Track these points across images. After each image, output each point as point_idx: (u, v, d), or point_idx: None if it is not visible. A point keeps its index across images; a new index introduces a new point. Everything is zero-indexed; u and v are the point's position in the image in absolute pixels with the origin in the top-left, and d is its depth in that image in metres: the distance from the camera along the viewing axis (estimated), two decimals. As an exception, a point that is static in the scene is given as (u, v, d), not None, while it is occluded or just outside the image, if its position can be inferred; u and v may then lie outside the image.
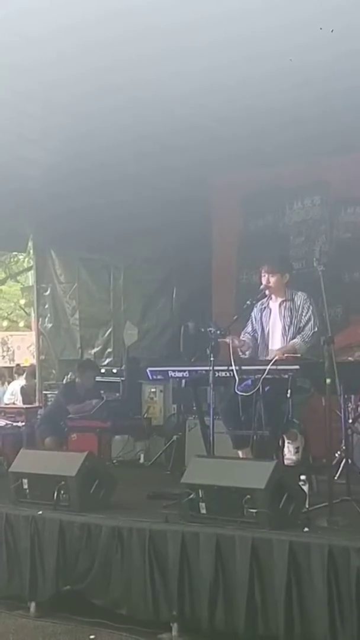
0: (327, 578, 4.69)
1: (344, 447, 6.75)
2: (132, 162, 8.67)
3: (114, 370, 10.73)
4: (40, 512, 5.92)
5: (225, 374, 6.28)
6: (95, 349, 11.62)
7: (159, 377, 7.15)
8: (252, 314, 6.89)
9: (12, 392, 12.45)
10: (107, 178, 9.17)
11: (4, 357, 21.31)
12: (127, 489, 6.53)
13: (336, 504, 5.54)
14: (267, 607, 4.89)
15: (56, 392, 10.25)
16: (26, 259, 19.17)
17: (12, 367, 15.45)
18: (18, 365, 15.63)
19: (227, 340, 6.40)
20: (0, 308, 23.62)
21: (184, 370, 6.81)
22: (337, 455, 6.86)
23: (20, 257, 19.78)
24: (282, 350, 6.48)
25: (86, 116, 7.37)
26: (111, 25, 5.69)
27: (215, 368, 6.23)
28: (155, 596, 5.29)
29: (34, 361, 13.26)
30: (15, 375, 13.79)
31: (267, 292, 6.82)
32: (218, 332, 6.37)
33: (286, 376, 6.05)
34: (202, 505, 5.38)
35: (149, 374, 7.04)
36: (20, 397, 12.01)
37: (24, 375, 12.91)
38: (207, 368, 6.27)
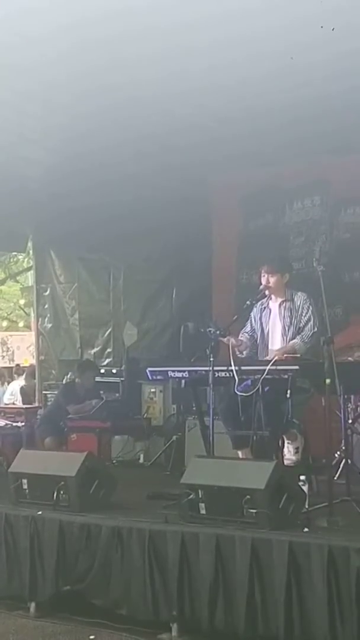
0: (327, 578, 4.69)
1: (343, 448, 6.75)
2: (132, 161, 8.66)
3: (114, 371, 10.72)
4: (40, 512, 5.92)
5: (225, 374, 6.28)
6: (95, 349, 11.61)
7: (158, 377, 7.15)
8: (252, 314, 6.89)
9: (12, 392, 12.45)
10: (107, 178, 9.17)
11: (3, 357, 21.34)
12: (126, 489, 6.53)
13: (336, 504, 5.54)
14: (267, 608, 4.89)
15: (56, 393, 10.24)
16: (26, 259, 19.17)
17: (11, 368, 15.46)
18: (18, 365, 15.65)
19: (224, 339, 6.40)
20: (0, 308, 23.62)
21: (184, 371, 6.81)
22: (336, 455, 6.86)
23: (20, 257, 19.77)
24: (281, 351, 6.48)
25: (86, 116, 7.37)
26: (111, 25, 5.68)
27: (215, 368, 6.23)
28: (155, 596, 5.29)
29: (33, 361, 13.26)
30: (15, 376, 13.80)
31: (266, 292, 6.82)
32: (218, 332, 6.37)
33: (286, 376, 6.05)
34: (202, 505, 5.38)
35: (148, 374, 7.03)
36: (20, 397, 12.01)
37: (24, 376, 12.92)
38: (207, 368, 6.28)
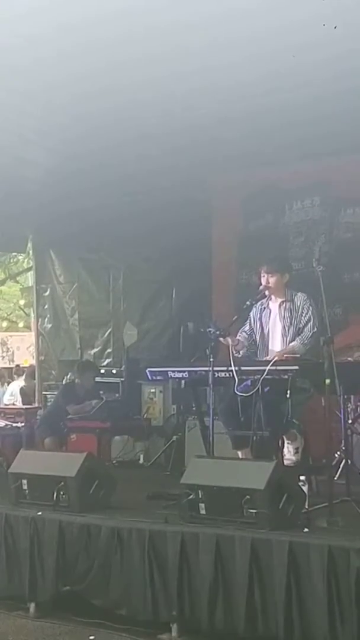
0: (327, 578, 4.69)
1: (343, 448, 6.76)
2: (132, 162, 8.66)
3: (114, 371, 10.73)
4: (40, 513, 5.91)
5: (225, 374, 6.28)
6: (95, 350, 11.62)
7: (158, 377, 7.15)
8: (251, 314, 6.89)
9: (12, 393, 12.44)
10: (107, 178, 9.17)
11: (3, 357, 21.34)
12: (126, 490, 6.53)
13: (336, 505, 5.54)
14: (267, 608, 4.89)
15: (56, 393, 10.24)
16: (26, 260, 19.15)
17: (11, 368, 15.45)
18: (17, 365, 15.64)
19: (222, 339, 6.40)
20: (0, 308, 23.62)
21: (184, 371, 6.81)
22: (336, 455, 6.86)
23: (20, 257, 19.77)
24: (281, 353, 6.47)
25: (86, 117, 7.37)
26: (111, 26, 5.68)
27: (215, 368, 6.24)
28: (155, 597, 5.29)
29: (33, 362, 13.26)
30: (15, 376, 13.78)
31: (266, 292, 6.81)
32: (217, 332, 6.37)
33: (286, 377, 6.05)
34: (202, 505, 5.38)
35: (148, 374, 7.03)
36: (19, 398, 12.00)
37: (24, 376, 12.90)
38: (207, 368, 6.28)
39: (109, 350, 11.50)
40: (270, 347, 6.74)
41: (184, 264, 10.69)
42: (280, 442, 6.51)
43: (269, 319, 6.81)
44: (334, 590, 4.67)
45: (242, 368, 6.27)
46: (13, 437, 8.96)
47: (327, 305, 6.23)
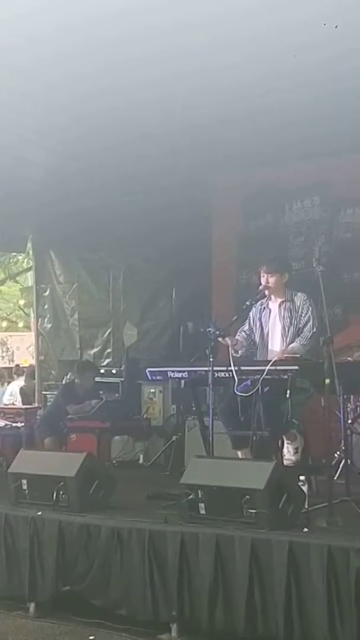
0: (327, 578, 4.69)
1: (343, 448, 6.76)
2: (132, 162, 8.66)
3: (114, 371, 10.73)
4: (40, 513, 5.91)
5: (225, 374, 6.28)
6: (95, 350, 11.62)
7: (158, 377, 7.15)
8: (250, 314, 6.88)
9: (12, 393, 12.43)
10: (107, 179, 9.17)
11: (3, 357, 21.33)
12: (126, 490, 6.53)
13: (335, 505, 5.54)
14: (267, 608, 4.89)
15: (55, 393, 10.24)
16: (25, 260, 19.16)
17: (11, 368, 15.43)
18: (17, 365, 15.62)
19: (221, 339, 6.40)
20: (0, 308, 23.62)
21: (183, 371, 6.81)
22: (336, 455, 6.86)
23: (20, 257, 19.77)
24: (280, 355, 6.46)
25: (86, 117, 7.37)
26: (111, 26, 5.68)
27: (215, 368, 6.24)
28: (155, 597, 5.29)
29: (33, 362, 13.25)
30: (15, 376, 13.77)
31: (266, 292, 6.81)
32: (217, 332, 6.37)
33: (285, 377, 6.05)
34: (202, 505, 5.38)
35: (148, 374, 7.03)
36: (19, 398, 11.99)
37: (24, 376, 12.90)
38: (207, 368, 6.28)
39: (109, 350, 11.50)
40: (269, 347, 6.74)
41: (184, 264, 10.69)
42: (280, 442, 6.51)
43: (269, 319, 6.81)
44: (333, 590, 4.67)
45: (242, 368, 6.27)
46: (13, 437, 8.95)
47: (327, 305, 6.22)
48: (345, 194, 8.96)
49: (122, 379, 10.45)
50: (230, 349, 6.44)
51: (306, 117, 7.39)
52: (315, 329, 6.56)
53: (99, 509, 5.89)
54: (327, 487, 5.62)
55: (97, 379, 9.81)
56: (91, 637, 5.31)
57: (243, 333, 6.85)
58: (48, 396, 10.96)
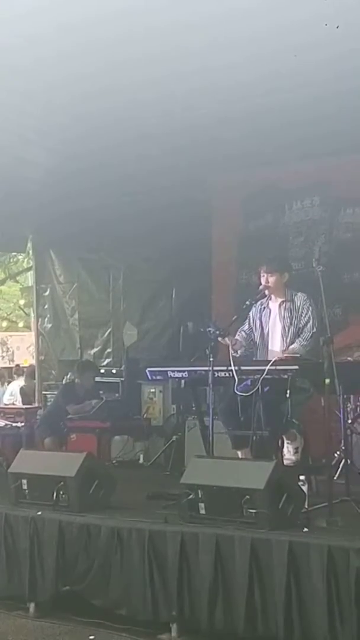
0: (327, 578, 4.69)
1: (343, 447, 6.76)
2: (132, 162, 8.66)
3: (114, 371, 10.74)
4: (40, 513, 5.92)
5: (225, 374, 6.28)
6: (95, 350, 11.62)
7: (158, 377, 7.15)
8: (250, 314, 6.88)
9: (12, 393, 12.43)
10: (107, 179, 9.17)
11: (3, 357, 21.33)
12: (126, 490, 6.53)
13: (335, 504, 5.54)
14: (267, 608, 4.89)
15: (55, 393, 10.24)
16: (25, 260, 19.16)
17: (11, 368, 15.43)
18: (17, 365, 15.62)
19: (220, 339, 6.40)
20: (0, 308, 23.62)
21: (184, 371, 6.81)
22: (336, 455, 6.86)
23: (20, 257, 19.78)
24: (281, 355, 6.46)
25: (86, 117, 7.37)
26: (111, 26, 5.68)
27: (215, 368, 6.24)
28: (155, 597, 5.29)
29: (33, 362, 13.25)
30: (15, 376, 13.77)
31: (266, 292, 6.81)
32: (217, 332, 6.37)
33: (285, 376, 6.05)
34: (202, 505, 5.38)
35: (148, 374, 7.04)
36: (19, 398, 11.99)
37: (24, 376, 12.90)
38: (207, 368, 6.28)
39: (109, 350, 11.51)
40: (270, 348, 6.74)
41: (184, 264, 10.69)
42: (280, 442, 6.51)
43: (269, 318, 6.81)
44: (333, 590, 4.67)
45: (242, 368, 6.27)
46: (13, 437, 8.95)
47: (327, 305, 6.22)
48: (345, 194, 8.96)
49: (122, 379, 10.45)
50: (230, 348, 6.44)
51: (306, 117, 7.39)
52: (315, 329, 6.56)
53: (99, 509, 5.89)
54: (327, 487, 5.62)
55: (97, 378, 9.81)
56: (91, 637, 5.32)
57: (243, 333, 6.85)
58: (48, 396, 10.96)
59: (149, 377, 7.07)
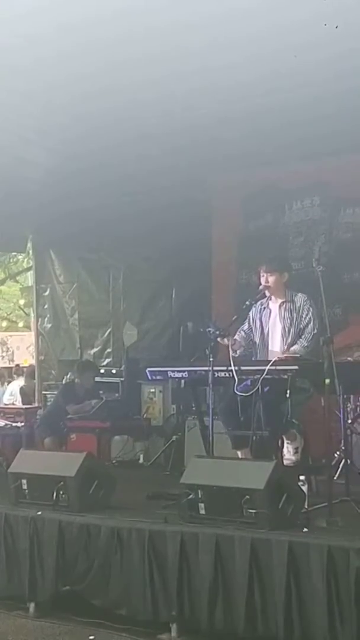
0: (327, 578, 4.69)
1: (343, 448, 6.76)
2: (132, 162, 8.66)
3: (114, 371, 10.74)
4: (40, 513, 5.92)
5: (225, 374, 6.28)
6: (95, 349, 11.62)
7: (158, 377, 7.15)
8: (250, 314, 6.88)
9: (12, 393, 12.43)
10: (107, 179, 9.17)
11: (3, 357, 21.32)
12: (126, 490, 6.53)
13: (335, 505, 5.54)
14: (267, 608, 4.89)
15: (55, 393, 10.24)
16: (25, 260, 19.16)
17: (11, 368, 15.43)
18: (17, 365, 15.62)
19: (219, 339, 6.40)
20: (0, 308, 23.61)
21: (183, 371, 6.81)
22: (336, 455, 6.87)
23: (20, 257, 19.78)
24: (282, 356, 6.45)
25: (86, 117, 7.37)
26: (111, 26, 5.69)
27: (215, 368, 6.24)
28: (155, 596, 5.29)
29: (33, 361, 13.25)
30: (15, 376, 13.77)
31: (266, 292, 6.81)
32: (217, 332, 6.37)
33: (285, 376, 6.04)
34: (202, 505, 5.38)
35: (148, 374, 7.04)
36: (19, 398, 12.00)
37: (24, 376, 12.91)
38: (207, 368, 6.28)
39: (109, 350, 11.51)
40: (270, 348, 6.73)
41: (184, 264, 10.69)
42: (279, 442, 6.51)
43: (269, 319, 6.81)
44: (333, 590, 4.67)
45: (242, 368, 6.26)
46: (13, 437, 8.95)
47: (327, 305, 6.22)
48: (345, 194, 8.96)
49: (122, 379, 10.45)
50: (229, 349, 6.44)
51: (306, 117, 7.39)
52: (316, 330, 6.56)
53: (99, 508, 5.89)
54: (327, 487, 5.62)
55: (97, 378, 9.81)
56: (91, 637, 5.31)
57: (242, 332, 6.85)
58: (48, 396, 10.96)
59: (149, 377, 7.07)
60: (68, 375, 11.13)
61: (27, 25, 5.67)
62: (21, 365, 15.17)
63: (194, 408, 7.85)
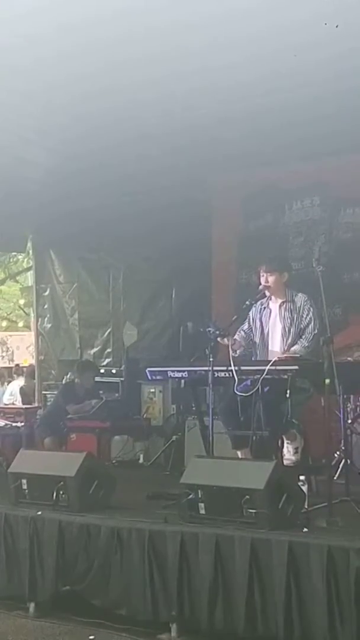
0: (327, 578, 4.69)
1: (343, 448, 6.76)
2: (132, 162, 8.67)
3: (114, 371, 10.74)
4: (40, 513, 5.91)
5: (225, 374, 6.28)
6: (95, 349, 11.62)
7: (158, 377, 7.15)
8: (250, 314, 6.87)
9: (12, 393, 12.44)
10: (107, 179, 9.17)
11: (3, 357, 21.32)
12: (126, 490, 6.53)
13: (335, 505, 5.54)
14: (267, 608, 4.89)
15: (55, 393, 10.24)
16: (25, 259, 19.17)
17: (11, 368, 15.43)
18: (17, 365, 15.62)
19: (220, 339, 6.40)
20: (0, 308, 23.61)
21: (183, 371, 6.80)
22: (336, 455, 6.86)
23: (20, 257, 19.78)
24: (282, 356, 6.45)
25: (86, 117, 7.37)
26: (111, 26, 5.69)
27: (215, 368, 6.24)
28: (155, 596, 5.29)
29: (33, 361, 13.25)
30: (15, 376, 13.78)
31: (266, 292, 6.81)
32: (217, 332, 6.37)
33: (285, 376, 6.04)
34: (201, 505, 5.38)
35: (148, 374, 7.03)
36: (19, 398, 12.00)
37: (24, 376, 12.91)
38: (207, 368, 6.28)
39: (109, 350, 11.51)
40: (270, 348, 6.73)
41: (184, 264, 10.69)
42: (279, 442, 6.51)
43: (269, 318, 6.80)
44: (333, 590, 4.67)
45: (242, 368, 6.26)
46: (13, 437, 8.96)
47: (327, 305, 6.22)
48: (345, 194, 8.96)
49: (122, 379, 10.45)
50: (229, 348, 6.44)
51: (306, 117, 7.39)
52: (317, 331, 6.55)
53: (99, 508, 5.88)
54: (327, 487, 5.62)
55: (97, 378, 9.81)
56: (91, 637, 5.31)
57: (242, 332, 6.85)
58: (48, 396, 10.96)
59: (149, 377, 7.07)
60: (68, 375, 11.13)
61: (27, 25, 5.67)
62: (21, 365, 15.17)
63: (194, 408, 7.85)
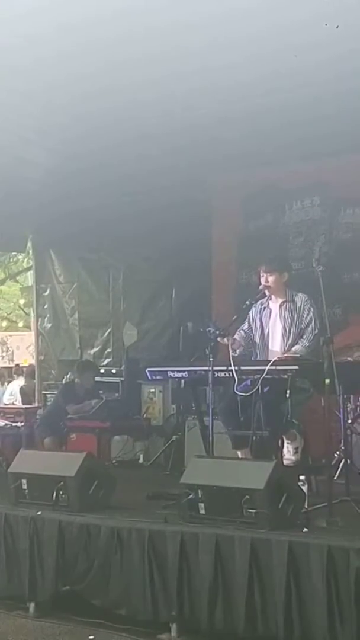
0: (327, 578, 4.69)
1: (343, 448, 6.76)
2: (132, 162, 8.67)
3: (114, 371, 10.74)
4: (40, 513, 5.91)
5: (225, 374, 6.28)
6: (95, 349, 11.62)
7: (158, 377, 7.15)
8: (250, 313, 6.87)
9: (12, 393, 12.44)
10: (107, 179, 9.17)
11: (3, 357, 21.32)
12: (126, 490, 6.53)
13: (335, 505, 5.54)
14: (267, 608, 4.89)
15: (55, 393, 10.24)
16: (25, 259, 19.17)
17: (11, 367, 15.43)
18: (17, 365, 15.61)
19: (220, 339, 6.40)
20: (0, 308, 23.61)
21: (183, 371, 6.81)
22: (336, 455, 6.86)
23: (20, 257, 19.78)
24: (283, 357, 6.45)
25: (86, 117, 7.37)
26: (111, 26, 5.69)
27: (215, 368, 6.24)
28: (155, 596, 5.29)
29: (33, 361, 13.25)
30: (15, 376, 13.78)
31: (266, 292, 6.81)
32: (217, 332, 6.37)
33: (285, 376, 6.04)
34: (201, 505, 5.38)
35: (148, 374, 7.04)
36: (19, 398, 12.00)
37: (23, 376, 12.91)
38: (206, 368, 6.28)
39: (109, 350, 11.51)
40: (270, 348, 6.73)
41: (184, 264, 10.69)
42: (279, 442, 6.51)
43: (269, 318, 6.80)
44: (333, 590, 4.67)
45: (242, 368, 6.26)
46: (13, 437, 8.96)
47: (327, 305, 6.23)
48: (345, 194, 8.96)
49: (122, 379, 10.45)
50: (229, 348, 6.44)
51: (306, 117, 7.39)
52: (317, 331, 6.55)
53: (99, 508, 5.88)
54: (327, 487, 5.62)
55: (97, 378, 9.81)
56: (91, 637, 5.31)
57: (242, 332, 6.84)
58: (48, 396, 10.96)
59: (149, 377, 7.07)
60: (68, 375, 11.13)
61: (27, 25, 5.67)
62: (21, 365, 15.17)
63: (194, 408, 7.85)
